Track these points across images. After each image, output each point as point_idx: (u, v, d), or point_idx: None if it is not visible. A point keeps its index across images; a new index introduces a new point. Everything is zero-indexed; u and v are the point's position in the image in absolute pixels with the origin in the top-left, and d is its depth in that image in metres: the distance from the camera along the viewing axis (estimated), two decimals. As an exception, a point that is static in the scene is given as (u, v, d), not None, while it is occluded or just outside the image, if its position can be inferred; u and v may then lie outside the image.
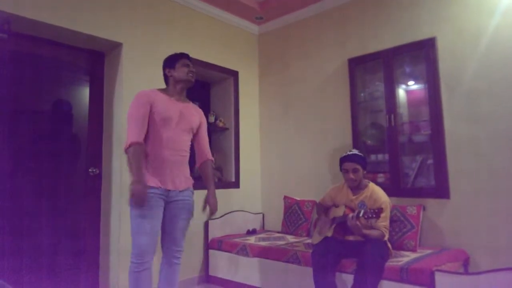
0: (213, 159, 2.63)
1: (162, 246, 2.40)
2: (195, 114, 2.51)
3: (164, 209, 2.32)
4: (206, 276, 3.66)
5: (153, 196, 2.21)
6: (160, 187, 2.26)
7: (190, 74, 2.45)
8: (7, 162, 2.77)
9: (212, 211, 2.52)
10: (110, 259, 3.12)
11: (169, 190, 2.31)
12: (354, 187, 2.78)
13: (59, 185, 3.04)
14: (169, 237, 2.37)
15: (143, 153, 2.23)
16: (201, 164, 2.59)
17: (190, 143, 2.48)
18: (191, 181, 2.48)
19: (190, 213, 2.43)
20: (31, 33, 2.88)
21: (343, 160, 2.78)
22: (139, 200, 2.12)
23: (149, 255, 2.20)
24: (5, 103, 2.78)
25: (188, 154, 2.45)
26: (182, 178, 2.38)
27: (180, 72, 2.42)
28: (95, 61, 3.32)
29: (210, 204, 2.49)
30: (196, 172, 3.94)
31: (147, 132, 2.29)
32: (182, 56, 2.49)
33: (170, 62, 2.46)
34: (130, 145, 2.19)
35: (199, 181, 2.64)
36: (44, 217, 2.91)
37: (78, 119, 3.22)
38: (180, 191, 2.36)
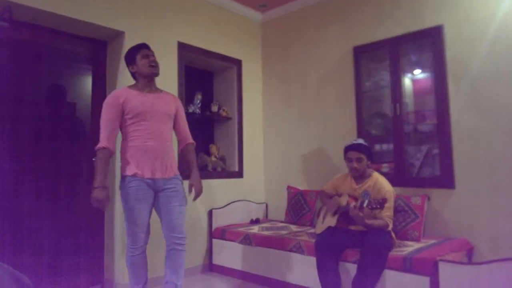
0: (194, 142, 2.63)
1: (164, 235, 2.44)
2: (169, 102, 2.50)
3: (157, 199, 2.40)
4: (209, 264, 3.69)
5: (140, 188, 2.31)
6: (148, 178, 2.32)
7: (152, 64, 2.41)
8: (13, 150, 2.79)
9: (197, 195, 2.55)
10: (115, 249, 3.14)
11: (156, 179, 2.35)
12: (357, 176, 2.77)
13: (63, 173, 3.05)
14: (167, 225, 2.41)
15: (109, 159, 2.32)
16: (182, 149, 2.62)
17: (171, 132, 2.52)
18: (177, 170, 2.52)
19: (183, 199, 2.46)
20: (32, 22, 2.86)
21: (348, 149, 2.76)
22: (100, 205, 2.23)
23: (140, 242, 2.36)
24: (7, 92, 2.78)
25: (171, 143, 2.48)
26: (169, 166, 2.42)
27: (141, 65, 2.40)
28: (97, 50, 3.30)
29: (196, 188, 2.53)
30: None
31: (128, 126, 2.35)
32: (139, 47, 2.45)
33: (130, 57, 2.45)
34: (98, 149, 2.28)
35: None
36: (49, 204, 2.94)
37: (82, 108, 3.22)
38: (168, 179, 2.40)
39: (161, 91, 2.53)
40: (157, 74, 2.46)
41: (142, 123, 2.34)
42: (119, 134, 2.41)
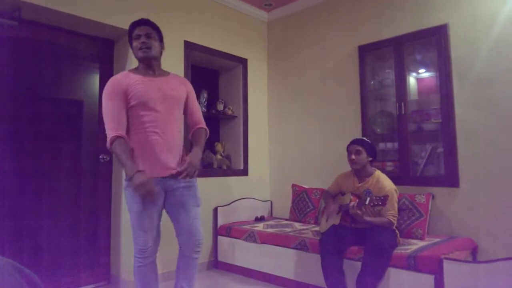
0: (206, 128, 2.28)
1: (178, 240, 2.19)
2: (177, 86, 2.18)
3: (167, 199, 2.12)
4: (215, 261, 3.72)
5: None
6: (155, 177, 2.02)
7: (142, 49, 2.06)
8: (29, 144, 2.85)
9: (185, 169, 2.05)
10: (121, 247, 3.18)
11: (166, 178, 2.07)
12: (360, 174, 2.79)
13: (72, 170, 3.10)
14: (183, 229, 2.13)
15: (128, 145, 2.00)
16: (192, 133, 2.28)
17: (181, 120, 2.21)
18: None
19: (197, 200, 2.19)
20: (39, 21, 2.89)
21: (349, 144, 2.83)
22: (148, 192, 1.91)
23: (150, 251, 2.08)
24: (12, 90, 2.81)
25: (181, 134, 2.19)
26: (178, 161, 2.11)
27: (134, 49, 2.11)
28: (104, 48, 3.33)
29: (188, 160, 2.07)
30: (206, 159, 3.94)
31: (131, 117, 2.05)
32: (132, 27, 2.12)
33: (129, 39, 2.16)
34: (112, 142, 1.97)
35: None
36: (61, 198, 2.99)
37: (89, 107, 3.25)
38: (179, 177, 2.08)
39: (167, 73, 2.22)
40: (147, 58, 2.09)
41: (147, 113, 2.03)
42: None
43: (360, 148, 2.73)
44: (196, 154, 2.14)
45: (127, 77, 2.08)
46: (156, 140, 2.04)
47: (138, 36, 2.09)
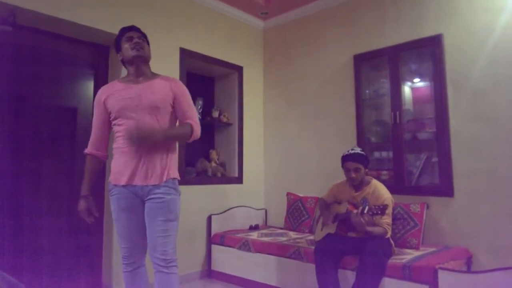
0: (194, 126, 2.06)
1: (149, 254, 2.07)
2: (161, 89, 2.07)
3: (144, 209, 2.06)
4: (208, 270, 3.68)
5: (121, 196, 2.02)
6: (129, 185, 2.00)
7: (136, 48, 2.05)
8: (15, 160, 2.81)
9: (132, 133, 1.89)
10: (112, 253, 3.13)
11: (137, 186, 2.00)
12: (356, 184, 2.77)
13: (62, 183, 3.05)
14: (149, 243, 2.03)
15: (95, 165, 2.14)
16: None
17: (165, 126, 2.08)
18: (170, 174, 2.06)
19: (170, 213, 2.01)
20: (35, 26, 2.88)
21: (345, 159, 2.76)
22: (83, 217, 2.07)
23: (133, 257, 2.08)
24: (9, 95, 2.80)
25: (166, 143, 2.06)
26: (152, 170, 2.00)
27: (125, 50, 2.08)
28: (99, 54, 3.31)
29: (137, 126, 1.94)
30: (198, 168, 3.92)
31: (113, 127, 2.10)
32: (123, 31, 2.13)
33: (116, 44, 2.15)
34: (84, 155, 2.15)
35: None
36: (46, 216, 2.94)
37: (83, 114, 3.23)
38: (155, 186, 1.99)
39: (156, 76, 2.15)
40: (143, 57, 2.08)
41: (124, 121, 2.02)
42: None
43: (359, 165, 2.69)
44: (156, 128, 2.01)
45: (111, 87, 2.12)
46: (129, 148, 2.00)
47: (131, 38, 2.09)
